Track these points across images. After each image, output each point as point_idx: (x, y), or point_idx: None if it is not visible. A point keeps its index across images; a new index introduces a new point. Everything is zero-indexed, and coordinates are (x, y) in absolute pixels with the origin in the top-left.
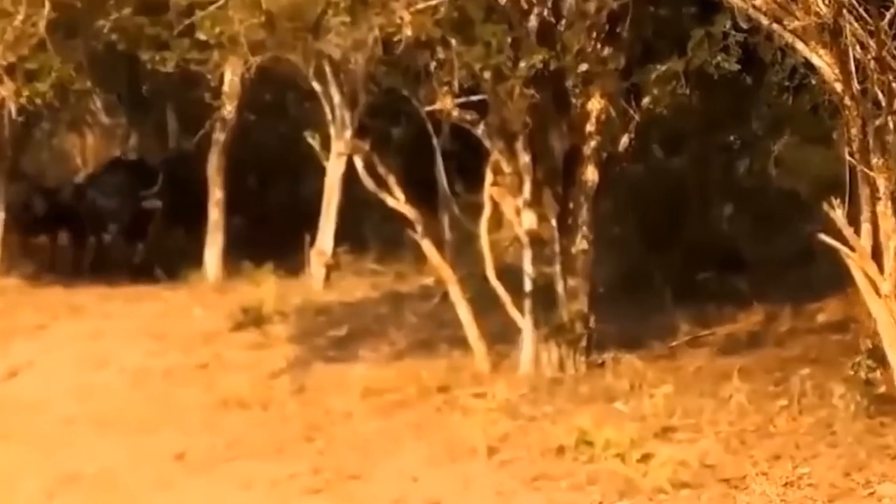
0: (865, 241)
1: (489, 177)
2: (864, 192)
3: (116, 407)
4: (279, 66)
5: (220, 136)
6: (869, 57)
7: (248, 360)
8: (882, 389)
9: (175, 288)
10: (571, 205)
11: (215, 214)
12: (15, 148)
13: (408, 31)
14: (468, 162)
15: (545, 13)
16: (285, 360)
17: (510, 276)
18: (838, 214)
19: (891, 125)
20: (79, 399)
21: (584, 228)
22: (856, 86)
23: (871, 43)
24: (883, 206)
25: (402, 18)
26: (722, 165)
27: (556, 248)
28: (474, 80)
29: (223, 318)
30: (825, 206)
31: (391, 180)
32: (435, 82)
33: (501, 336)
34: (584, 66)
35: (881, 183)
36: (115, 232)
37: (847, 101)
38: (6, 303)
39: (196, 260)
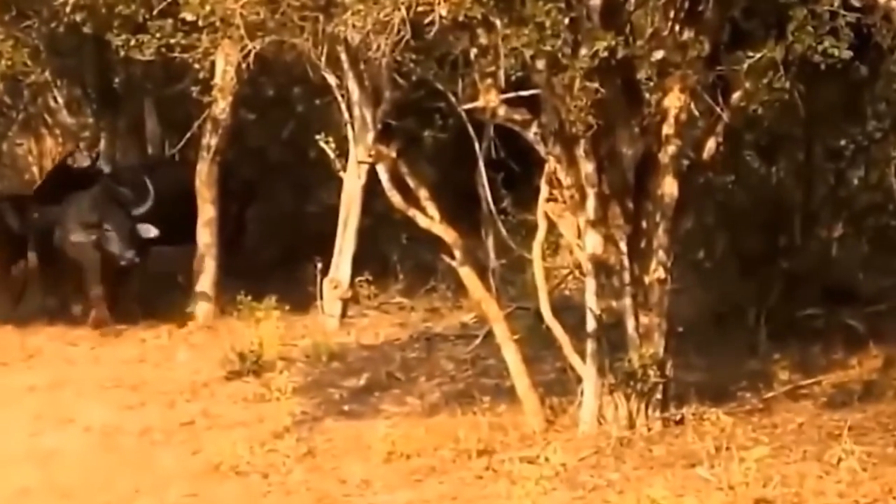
0: None
1: (543, 190)
2: None
3: (82, 475)
4: (283, 54)
5: (210, 141)
6: None
7: (244, 416)
8: None
9: (155, 326)
10: (645, 224)
11: (206, 236)
12: None
13: (442, 10)
14: (517, 172)
15: None
16: (290, 416)
17: (569, 311)
18: None
19: None
20: (36, 465)
21: (661, 253)
22: None
23: None
24: None
25: None
26: (830, 176)
27: (626, 277)
28: (525, 71)
29: (214, 364)
30: None
31: (423, 194)
32: (476, 74)
33: (557, 386)
34: (659, 54)
35: None
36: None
37: None
38: None
39: (181, 292)
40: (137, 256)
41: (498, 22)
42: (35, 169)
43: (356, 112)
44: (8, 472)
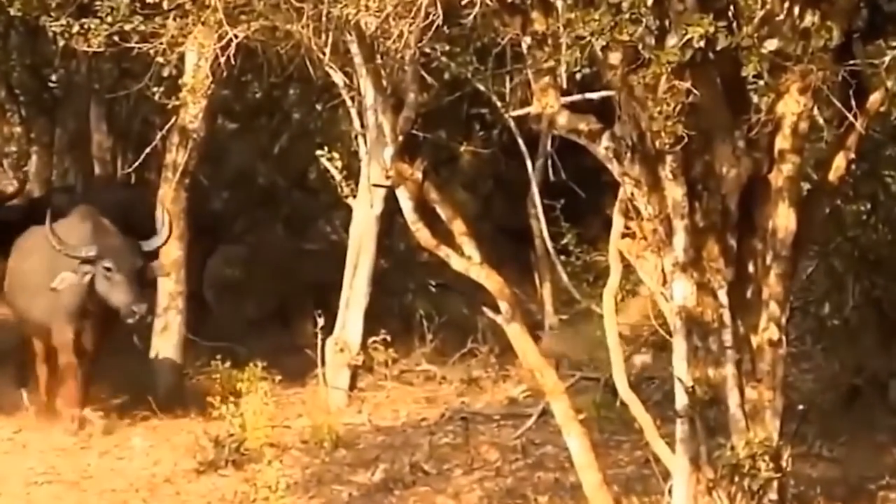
0: None
1: (617, 222)
2: None
3: None
4: (274, 45)
5: (177, 157)
6: None
7: None
8: None
9: (101, 401)
10: (752, 267)
11: (170, 283)
12: None
13: None
14: (583, 199)
15: None
16: None
17: (652, 383)
18: None
19: None
20: None
21: (773, 306)
22: None
23: None
24: None
25: None
26: None
27: (728, 337)
28: (594, 68)
29: (181, 452)
30: None
31: (458, 228)
32: (530, 71)
33: (637, 483)
34: (772, 44)
35: None
36: None
37: None
38: None
39: (136, 356)
40: (148, 311)
41: (559, 2)
42: None
43: (370, 120)
44: None
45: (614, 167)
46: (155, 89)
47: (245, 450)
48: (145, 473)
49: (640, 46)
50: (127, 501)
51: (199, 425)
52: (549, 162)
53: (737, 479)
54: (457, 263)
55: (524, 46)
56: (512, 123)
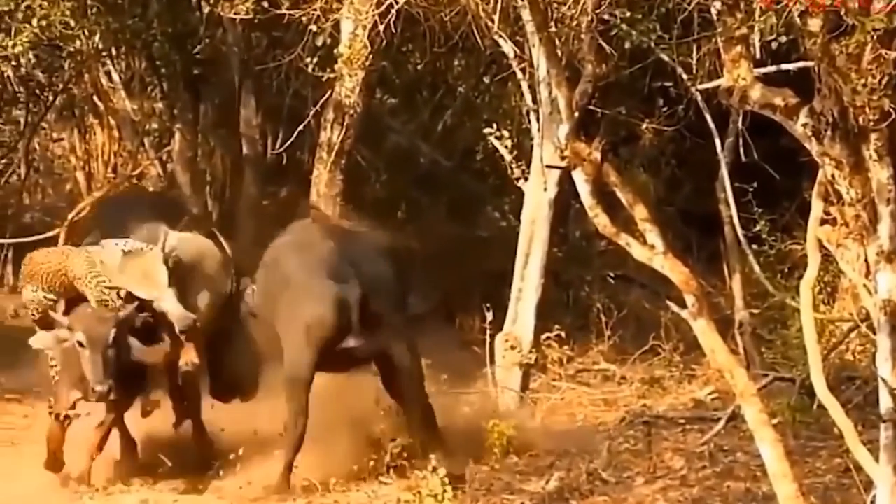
0: None
1: (816, 207)
2: None
3: None
4: (437, 11)
5: (332, 135)
6: None
7: None
8: None
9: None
10: None
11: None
12: None
13: None
14: (777, 182)
15: None
16: None
17: (852, 384)
18: None
19: None
20: None
21: None
22: None
23: None
24: None
25: None
26: None
27: None
28: (791, 35)
29: (339, 458)
30: None
31: (640, 213)
32: (720, 39)
33: (837, 493)
34: None
35: None
36: None
37: None
38: None
39: None
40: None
41: None
42: (80, 176)
43: (543, 94)
44: None
45: (813, 146)
46: (308, 61)
47: (407, 455)
48: (301, 481)
49: (842, 12)
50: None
51: (358, 429)
52: (740, 141)
53: None
54: (638, 252)
55: (713, 12)
56: (699, 98)
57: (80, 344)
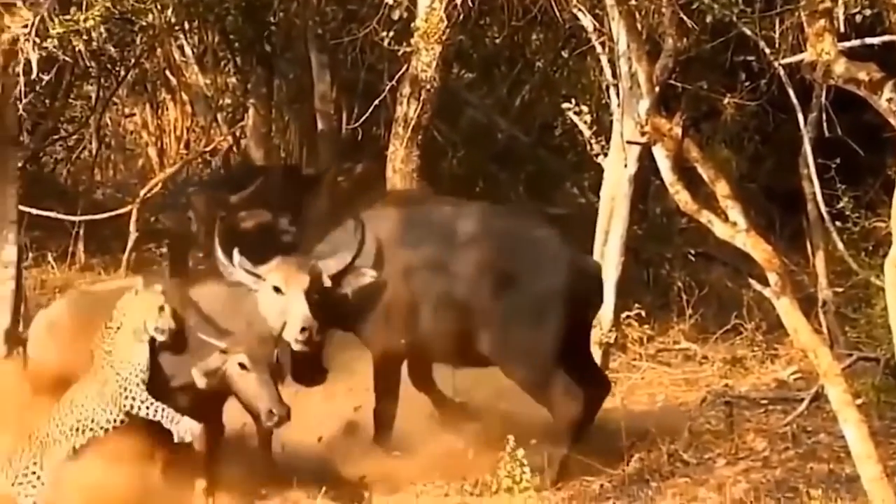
0: None
1: None
2: None
3: None
4: None
5: (409, 110)
6: None
7: None
8: None
9: None
10: None
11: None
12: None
13: None
14: (862, 158)
15: None
16: None
17: None
18: None
19: None
20: None
21: None
22: None
23: None
24: None
25: None
26: None
27: None
28: (875, 9)
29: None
30: None
31: (722, 189)
32: (803, 13)
33: None
34: None
35: None
36: None
37: None
38: None
39: None
40: None
41: None
42: (152, 152)
43: (623, 69)
44: None
45: None
46: (384, 34)
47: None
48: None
49: None
50: None
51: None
52: (824, 116)
53: None
54: (720, 230)
55: None
56: (782, 72)
57: (242, 366)
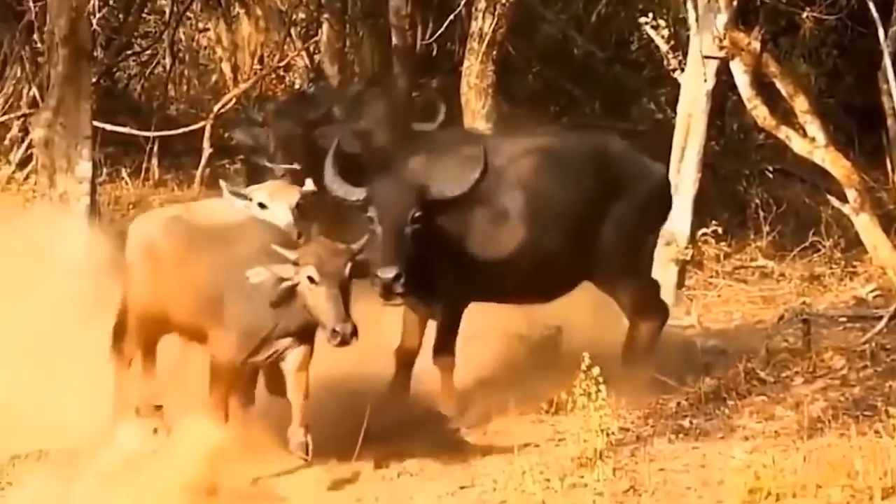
0: None
1: None
2: None
3: None
4: None
5: (484, 25)
6: None
7: (533, 433)
8: None
9: None
10: None
11: None
12: None
13: None
14: None
15: None
16: (601, 434)
17: None
18: None
19: None
20: None
21: None
22: None
23: None
24: None
25: None
26: None
27: None
28: None
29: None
30: None
31: (800, 105)
32: None
33: None
34: None
35: None
36: None
37: None
38: None
39: None
40: None
41: None
42: (226, 67)
43: None
44: None
45: None
46: None
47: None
48: None
49: None
50: None
51: None
52: None
53: None
54: (798, 145)
55: None
56: None
57: (311, 280)
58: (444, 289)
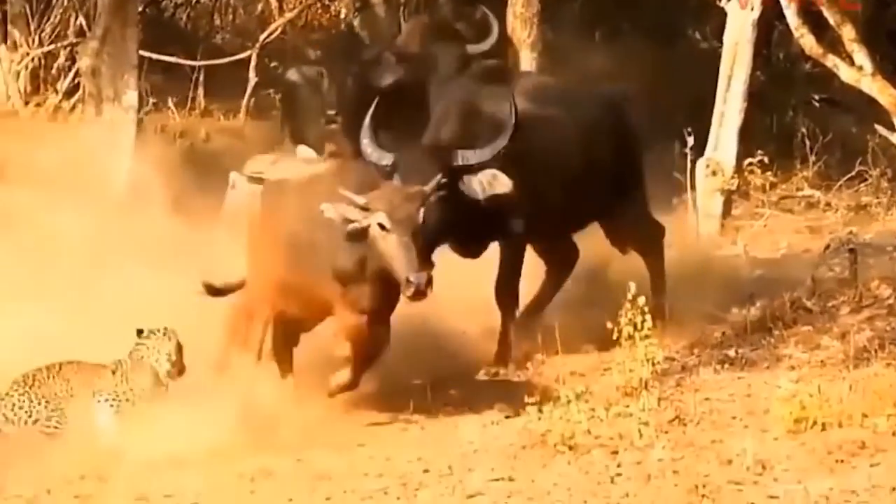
0: None
1: None
2: None
3: None
4: None
5: None
6: None
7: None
8: None
9: None
10: None
11: None
12: None
13: None
14: None
15: None
16: (648, 364)
17: None
18: None
19: None
20: None
21: None
22: None
23: None
24: None
25: None
26: None
27: None
28: None
29: None
30: None
31: (848, 33)
32: None
33: None
34: None
35: None
36: None
37: None
38: None
39: None
40: None
41: None
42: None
43: None
44: None
45: None
46: None
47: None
48: None
49: None
50: None
51: None
52: None
53: None
54: (845, 74)
55: None
56: None
57: (382, 227)
58: (502, 230)
